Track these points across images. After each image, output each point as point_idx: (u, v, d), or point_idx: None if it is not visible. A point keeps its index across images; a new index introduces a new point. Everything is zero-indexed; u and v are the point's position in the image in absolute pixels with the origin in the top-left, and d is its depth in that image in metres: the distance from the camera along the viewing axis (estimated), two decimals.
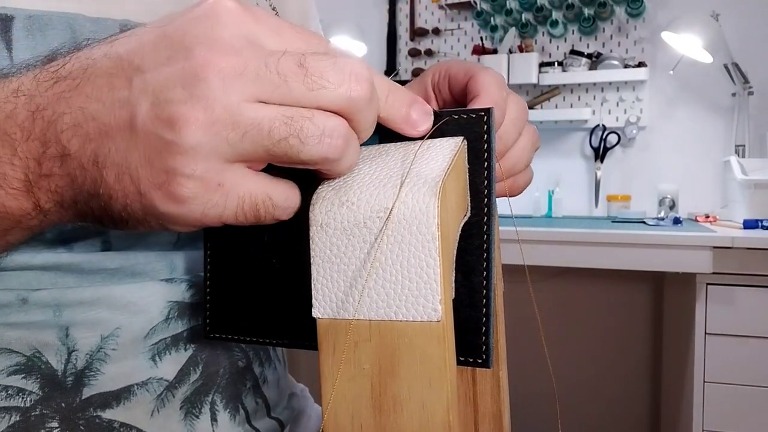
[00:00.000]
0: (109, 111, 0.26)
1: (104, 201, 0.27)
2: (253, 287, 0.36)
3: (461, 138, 0.31)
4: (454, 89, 0.42)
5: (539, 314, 2.13)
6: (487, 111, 0.31)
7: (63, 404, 0.37)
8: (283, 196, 0.29)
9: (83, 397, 0.37)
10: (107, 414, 0.38)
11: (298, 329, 0.34)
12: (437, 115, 0.32)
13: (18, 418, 0.36)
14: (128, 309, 0.38)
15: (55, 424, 0.37)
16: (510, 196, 0.41)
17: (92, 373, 0.38)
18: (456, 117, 0.31)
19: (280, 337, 0.35)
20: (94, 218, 0.29)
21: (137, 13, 0.39)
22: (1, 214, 0.28)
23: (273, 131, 0.26)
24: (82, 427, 0.37)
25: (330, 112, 0.27)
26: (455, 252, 0.30)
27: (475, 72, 0.40)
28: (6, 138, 0.27)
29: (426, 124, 0.32)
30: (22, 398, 0.36)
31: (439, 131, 0.32)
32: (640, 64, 2.07)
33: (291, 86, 0.26)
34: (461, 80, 0.41)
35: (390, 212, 0.27)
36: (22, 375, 0.36)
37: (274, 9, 0.51)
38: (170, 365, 0.40)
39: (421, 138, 0.31)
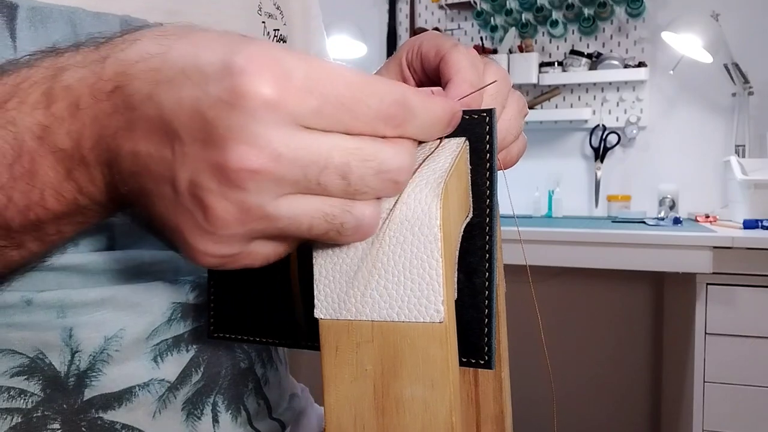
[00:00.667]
0: (151, 160, 0.25)
1: (144, 217, 0.27)
2: (256, 287, 0.36)
3: (463, 139, 0.31)
4: (427, 69, 0.41)
5: (539, 314, 2.13)
6: (489, 112, 0.31)
7: (65, 406, 0.37)
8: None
9: (85, 399, 0.37)
10: (109, 415, 0.38)
11: (301, 330, 0.34)
12: None
13: (20, 420, 0.36)
14: (133, 310, 0.38)
15: (56, 425, 0.36)
16: (504, 169, 0.40)
17: (94, 374, 0.37)
18: None
19: (283, 337, 0.35)
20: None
21: (137, 8, 0.39)
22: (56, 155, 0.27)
23: (313, 228, 0.25)
24: (83, 429, 0.37)
25: None
26: (457, 253, 0.30)
27: (446, 51, 0.38)
28: (62, 155, 0.27)
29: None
30: (24, 400, 0.36)
31: None
32: (640, 64, 2.07)
33: (331, 192, 0.25)
34: (432, 60, 0.39)
35: (390, 213, 0.27)
36: (25, 376, 0.36)
37: (278, 8, 0.51)
38: (172, 366, 0.40)
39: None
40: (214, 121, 0.23)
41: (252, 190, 0.23)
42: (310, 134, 0.24)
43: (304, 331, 0.34)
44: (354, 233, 0.26)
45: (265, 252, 0.27)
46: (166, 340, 0.40)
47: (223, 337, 0.37)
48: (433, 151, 0.30)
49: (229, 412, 0.44)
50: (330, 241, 0.26)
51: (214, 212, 0.24)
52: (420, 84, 0.42)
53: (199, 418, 0.42)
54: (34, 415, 0.36)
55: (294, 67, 0.23)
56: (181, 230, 0.25)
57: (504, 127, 0.38)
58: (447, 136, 0.31)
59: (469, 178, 0.31)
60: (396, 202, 0.27)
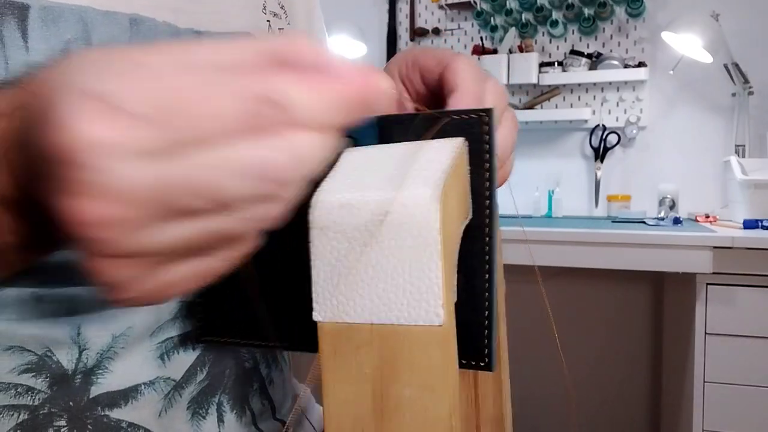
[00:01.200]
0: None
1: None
2: (246, 290, 0.35)
3: (462, 139, 0.31)
4: (427, 80, 0.40)
5: (539, 314, 2.13)
6: (488, 112, 0.31)
7: (71, 403, 0.37)
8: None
9: (91, 396, 0.37)
10: (115, 413, 0.38)
11: (300, 333, 0.34)
12: (437, 116, 0.32)
13: (26, 416, 0.36)
14: (141, 307, 0.39)
15: (62, 422, 0.37)
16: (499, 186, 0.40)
17: (100, 372, 0.38)
18: (456, 118, 0.31)
19: (281, 340, 0.35)
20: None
21: (145, 7, 0.39)
22: None
23: (219, 245, 0.24)
24: (89, 427, 0.37)
25: None
26: (457, 255, 0.30)
27: (448, 62, 0.38)
28: None
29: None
30: (31, 397, 0.36)
31: (439, 132, 0.31)
32: (640, 64, 2.07)
33: (211, 215, 0.22)
34: (434, 70, 0.39)
35: (387, 216, 0.27)
36: (33, 374, 0.36)
37: (282, 8, 0.51)
38: (177, 365, 0.40)
39: (422, 139, 0.31)
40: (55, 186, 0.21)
41: (110, 240, 0.21)
42: (160, 162, 0.20)
43: (303, 335, 0.34)
44: (261, 226, 0.24)
45: (185, 273, 0.24)
46: (172, 338, 0.40)
47: (210, 341, 0.37)
48: (431, 150, 0.30)
49: (234, 411, 0.44)
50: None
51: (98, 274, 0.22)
52: (419, 97, 0.42)
53: (204, 418, 0.42)
54: (41, 412, 0.36)
55: (122, 96, 0.20)
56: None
57: (501, 144, 0.38)
58: (446, 137, 0.31)
59: (468, 179, 0.31)
60: (394, 205, 0.27)
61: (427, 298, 0.26)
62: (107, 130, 0.20)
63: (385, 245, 0.27)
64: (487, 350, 0.30)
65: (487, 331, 0.30)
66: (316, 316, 0.28)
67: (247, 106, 0.21)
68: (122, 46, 0.24)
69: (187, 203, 0.21)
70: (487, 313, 0.30)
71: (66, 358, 0.37)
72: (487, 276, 0.30)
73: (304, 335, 0.34)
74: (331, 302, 0.28)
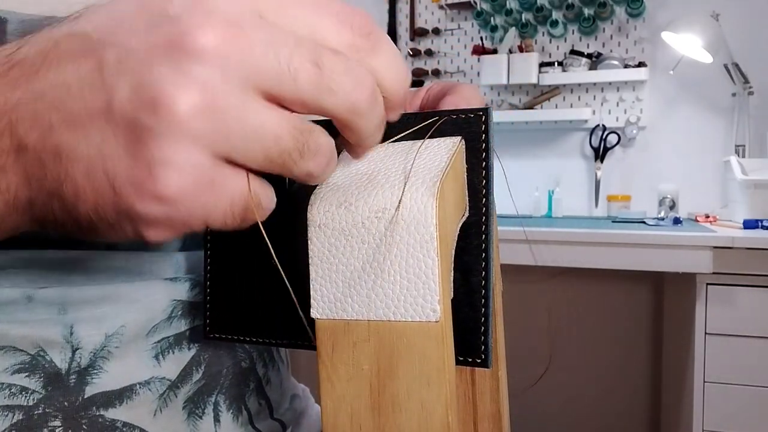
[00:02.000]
0: (78, 97, 0.23)
1: (69, 202, 0.24)
2: (252, 287, 0.36)
3: (459, 138, 0.31)
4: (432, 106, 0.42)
5: (539, 314, 2.13)
6: (485, 110, 0.31)
7: (66, 403, 0.37)
8: (269, 197, 0.26)
9: (86, 396, 0.37)
10: (110, 413, 0.38)
11: (298, 329, 0.34)
12: (435, 115, 0.32)
13: (21, 417, 0.36)
14: (133, 306, 0.39)
15: (57, 423, 0.37)
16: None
17: (95, 372, 0.38)
18: (454, 116, 0.31)
19: (280, 337, 0.35)
20: (55, 223, 0.25)
21: None
22: None
23: (280, 141, 0.23)
24: (84, 427, 0.37)
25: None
26: (454, 252, 0.30)
27: (453, 84, 0.39)
28: None
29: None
30: (25, 397, 0.36)
31: (436, 131, 0.32)
32: (640, 64, 2.07)
33: (300, 86, 0.23)
34: (438, 93, 0.40)
35: (396, 212, 0.27)
36: (26, 374, 0.36)
37: None
38: (173, 364, 0.40)
39: (420, 138, 0.31)
40: (166, 4, 0.22)
41: (215, 69, 0.21)
42: (277, 13, 0.23)
43: (301, 332, 0.34)
44: (311, 160, 0.25)
45: (228, 187, 0.24)
46: (168, 337, 0.40)
47: (219, 337, 0.37)
48: (428, 148, 0.30)
49: (231, 411, 0.44)
50: (289, 170, 0.24)
51: (169, 100, 0.21)
52: None
53: (201, 418, 0.42)
54: (35, 412, 0.36)
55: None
56: (126, 160, 0.22)
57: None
58: (444, 135, 0.31)
59: (465, 177, 0.31)
60: (399, 202, 0.27)
61: (424, 295, 0.26)
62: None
63: (383, 242, 0.27)
64: (483, 347, 0.30)
65: (483, 328, 0.30)
66: (314, 313, 0.28)
67: (361, 18, 0.25)
68: None
69: (294, 63, 0.22)
70: (483, 309, 0.30)
71: (59, 358, 0.37)
72: (483, 273, 0.30)
73: (305, 332, 0.34)
74: (329, 299, 0.28)
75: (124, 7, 0.23)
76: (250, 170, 0.25)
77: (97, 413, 0.37)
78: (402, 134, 0.32)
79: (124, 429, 0.38)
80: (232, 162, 0.24)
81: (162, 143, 0.22)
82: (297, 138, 0.24)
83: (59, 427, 0.36)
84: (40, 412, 0.36)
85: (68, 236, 0.27)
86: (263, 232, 0.26)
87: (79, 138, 0.23)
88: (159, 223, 0.24)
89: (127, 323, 0.38)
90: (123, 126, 0.22)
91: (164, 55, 0.21)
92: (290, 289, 0.28)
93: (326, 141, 0.25)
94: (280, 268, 0.27)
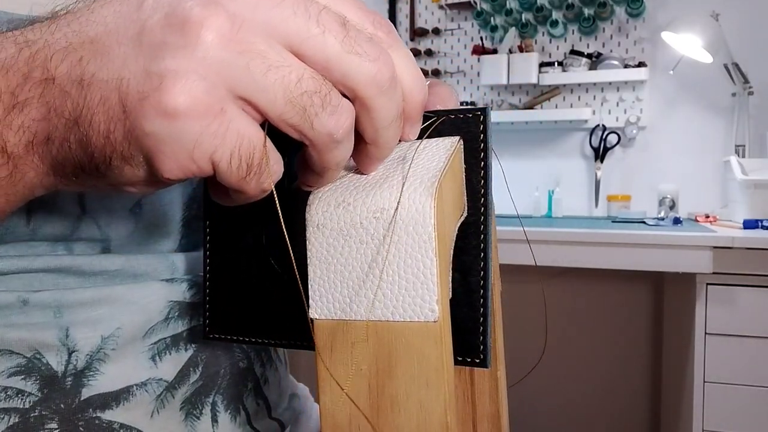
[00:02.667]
0: (112, 30, 0.23)
1: (84, 129, 0.24)
2: (251, 288, 0.36)
3: (457, 138, 0.31)
4: None
5: (539, 314, 2.13)
6: (483, 110, 0.31)
7: (62, 405, 0.37)
8: (278, 161, 0.26)
9: (82, 398, 0.37)
10: (107, 415, 0.38)
11: (297, 330, 0.34)
12: (434, 115, 0.32)
13: (17, 420, 0.36)
14: (129, 308, 0.39)
15: (54, 425, 0.36)
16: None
17: (91, 374, 0.37)
18: (452, 117, 0.31)
19: (279, 337, 0.35)
20: (74, 164, 0.25)
21: None
22: None
23: (302, 81, 0.23)
24: (81, 429, 0.37)
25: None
26: (452, 252, 0.30)
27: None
28: None
29: (415, 135, 0.30)
30: (21, 399, 0.36)
31: (435, 131, 0.32)
32: (640, 64, 2.07)
33: (327, 40, 0.23)
34: None
35: (394, 212, 0.27)
36: (22, 376, 0.36)
37: None
38: (170, 366, 0.40)
39: (418, 138, 0.31)
40: None
41: (248, 3, 0.22)
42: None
43: (300, 332, 0.34)
44: (334, 113, 0.24)
45: (238, 125, 0.24)
46: (165, 339, 0.40)
47: (219, 338, 0.37)
48: (426, 148, 0.30)
49: (228, 411, 0.44)
50: (309, 122, 0.24)
51: (199, 21, 0.22)
52: None
53: (198, 418, 0.42)
54: (32, 414, 0.36)
55: None
56: (140, 77, 0.22)
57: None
58: (441, 135, 0.31)
59: (464, 176, 0.31)
60: (398, 203, 0.27)
61: (422, 294, 0.26)
62: None
63: (381, 242, 0.27)
64: (482, 347, 0.30)
65: (482, 328, 0.30)
66: (312, 313, 0.28)
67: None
68: None
69: (323, 18, 0.23)
70: (482, 309, 0.30)
71: (55, 360, 0.36)
72: (482, 273, 0.30)
73: (304, 333, 0.34)
74: (327, 299, 0.28)
75: None
76: (266, 121, 0.24)
77: (94, 415, 0.37)
78: None
79: (121, 431, 0.38)
80: (249, 105, 0.24)
81: (178, 57, 0.22)
82: (320, 83, 0.24)
83: (56, 429, 0.36)
84: (36, 414, 0.36)
85: (85, 187, 0.27)
86: (275, 196, 0.25)
87: (103, 64, 0.23)
88: (167, 149, 0.23)
89: (124, 325, 0.38)
90: (147, 48, 0.22)
91: None
92: (301, 288, 0.28)
93: (347, 104, 0.25)
94: (294, 262, 0.27)
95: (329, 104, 0.24)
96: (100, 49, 0.23)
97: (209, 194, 0.29)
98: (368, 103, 0.25)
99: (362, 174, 0.29)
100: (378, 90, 0.25)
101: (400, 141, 0.29)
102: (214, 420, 0.43)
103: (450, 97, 0.36)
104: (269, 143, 0.25)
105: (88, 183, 0.26)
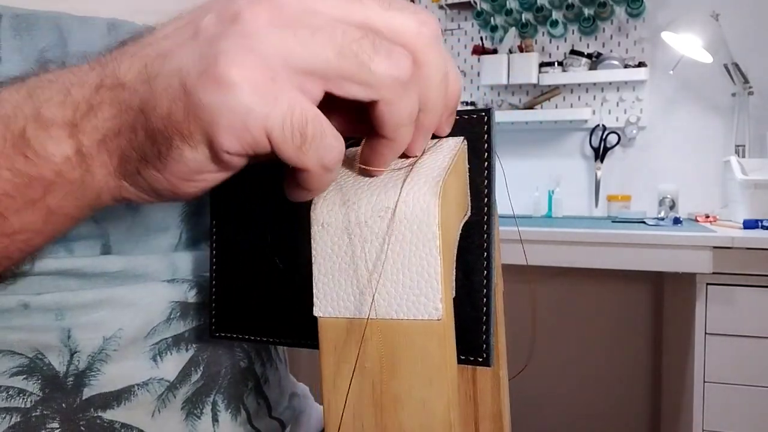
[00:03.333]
0: (172, 38, 0.26)
1: (148, 114, 0.26)
2: (257, 287, 0.36)
3: (461, 138, 0.31)
4: None
5: (539, 314, 2.13)
6: (488, 111, 0.31)
7: (63, 405, 0.37)
8: (333, 133, 0.26)
9: (84, 398, 0.37)
10: (108, 414, 0.38)
11: (301, 328, 0.34)
12: None
13: (18, 419, 0.36)
14: (130, 309, 0.39)
15: (55, 425, 0.37)
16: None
17: (93, 374, 0.38)
18: (456, 117, 0.32)
19: (284, 336, 0.35)
20: (139, 155, 0.27)
21: (123, 10, 0.38)
22: (42, 161, 0.26)
23: (347, 32, 0.24)
24: (83, 428, 0.37)
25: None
26: (456, 251, 0.30)
27: None
28: (62, 84, 0.27)
29: (449, 129, 0.31)
30: (23, 399, 0.36)
31: None
32: (640, 64, 2.07)
33: (366, 3, 0.25)
34: None
35: (388, 212, 0.27)
36: (24, 376, 0.36)
37: None
38: (171, 365, 0.40)
39: None
40: None
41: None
42: None
43: (305, 330, 0.34)
44: (387, 57, 0.25)
45: (290, 92, 0.25)
46: (166, 339, 0.40)
47: (225, 336, 0.37)
48: (430, 149, 0.30)
49: (229, 411, 0.44)
50: (365, 68, 0.25)
51: (248, 10, 0.24)
52: None
53: (199, 418, 0.42)
54: (33, 414, 0.36)
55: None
56: (199, 62, 0.24)
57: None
58: (445, 135, 0.31)
59: (468, 176, 0.31)
60: (396, 201, 0.27)
61: (426, 293, 0.26)
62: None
63: (385, 241, 0.27)
64: (485, 346, 0.30)
65: (485, 327, 0.30)
66: (317, 311, 0.28)
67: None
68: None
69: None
70: (485, 309, 0.30)
71: (57, 361, 0.37)
72: (485, 272, 0.30)
73: (308, 331, 0.34)
74: (331, 298, 0.28)
75: None
76: (325, 88, 0.25)
77: (96, 414, 0.38)
78: None
79: (123, 430, 0.38)
80: (307, 76, 0.25)
81: (230, 39, 0.24)
82: (366, 34, 0.25)
83: (57, 428, 0.36)
84: (38, 414, 0.36)
85: (147, 192, 0.28)
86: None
87: (166, 62, 0.25)
88: (222, 120, 0.24)
89: (125, 326, 0.38)
90: (203, 40, 0.25)
91: None
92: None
93: (401, 49, 0.26)
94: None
95: (382, 47, 0.25)
96: (163, 52, 0.26)
97: (233, 194, 0.29)
98: (418, 58, 0.26)
99: (367, 176, 0.29)
100: (425, 42, 0.26)
101: (433, 137, 0.30)
102: (215, 419, 0.43)
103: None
104: (331, 129, 0.26)
105: (151, 181, 0.27)
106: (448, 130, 0.31)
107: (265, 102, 0.24)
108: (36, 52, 0.35)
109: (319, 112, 0.25)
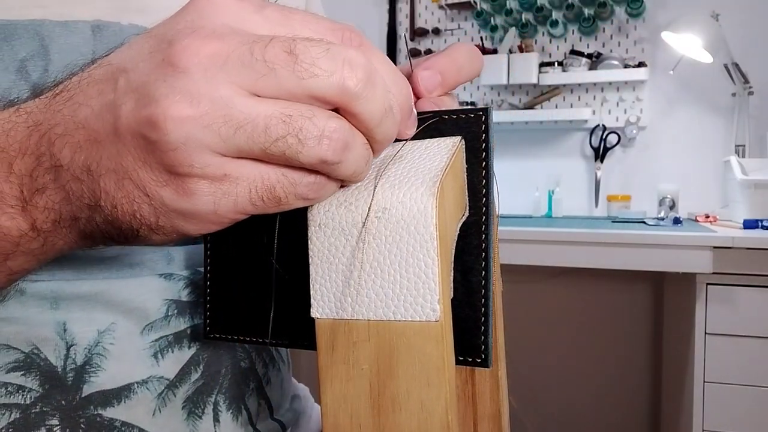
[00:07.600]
0: (96, 116, 0.25)
1: (108, 212, 0.26)
2: (252, 287, 0.36)
3: (459, 138, 0.31)
4: None
5: (539, 314, 2.13)
6: (485, 110, 0.31)
7: (63, 402, 0.37)
8: (304, 177, 0.26)
9: (83, 395, 0.37)
10: (108, 413, 0.38)
11: (297, 329, 0.34)
12: (434, 115, 0.32)
13: (18, 416, 0.36)
14: (124, 305, 0.39)
15: (55, 421, 0.37)
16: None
17: (93, 370, 0.38)
18: (454, 116, 0.31)
19: (280, 337, 0.35)
20: (102, 235, 0.28)
21: (107, 11, 0.38)
22: None
23: (270, 129, 0.24)
24: (82, 426, 0.37)
25: (327, 106, 0.25)
26: (453, 252, 0.30)
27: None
28: (3, 154, 0.27)
29: (412, 130, 0.30)
30: (22, 395, 0.36)
31: (436, 131, 0.32)
32: (640, 64, 2.07)
33: (279, 75, 0.24)
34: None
35: (385, 212, 0.27)
36: (22, 372, 0.36)
37: None
38: (171, 364, 0.40)
39: (419, 138, 0.31)
40: (165, 31, 0.25)
41: (200, 78, 0.23)
42: (256, 23, 0.25)
43: (302, 331, 0.34)
44: (317, 145, 0.24)
45: (249, 179, 0.25)
46: (166, 336, 0.40)
47: (219, 337, 0.37)
48: (428, 148, 0.30)
49: (230, 411, 0.44)
50: (295, 158, 0.24)
51: (162, 116, 0.23)
52: None
53: (200, 417, 0.42)
54: (33, 411, 0.36)
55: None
56: (147, 169, 0.25)
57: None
58: (444, 135, 0.31)
59: (465, 176, 0.31)
60: (391, 201, 0.27)
61: (424, 294, 0.26)
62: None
63: (383, 241, 0.27)
64: (483, 346, 0.30)
65: (483, 328, 0.30)
66: (314, 312, 0.28)
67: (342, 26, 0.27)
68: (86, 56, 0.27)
69: (268, 55, 0.24)
70: (483, 309, 0.30)
71: (54, 355, 0.37)
72: (483, 273, 0.30)
73: (305, 332, 0.34)
74: (329, 299, 0.28)
75: (143, 37, 0.26)
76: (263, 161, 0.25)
77: (95, 412, 0.37)
78: None
79: (123, 428, 0.38)
80: (239, 157, 0.25)
81: (168, 152, 0.24)
82: (289, 124, 0.24)
83: (57, 425, 0.36)
84: (37, 410, 0.36)
85: (120, 244, 0.29)
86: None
87: (101, 154, 0.25)
88: (193, 216, 0.26)
89: (118, 321, 0.38)
90: (131, 141, 0.25)
91: (159, 75, 0.24)
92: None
93: (337, 124, 0.25)
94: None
95: (308, 138, 0.24)
96: (93, 137, 0.25)
97: None
98: (349, 110, 0.25)
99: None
100: (351, 97, 0.25)
101: (397, 140, 0.29)
102: (216, 419, 0.43)
103: (470, 58, 0.35)
104: (291, 171, 0.26)
105: (121, 243, 0.28)
106: (411, 133, 0.30)
107: (227, 196, 0.25)
108: (16, 63, 0.34)
109: (280, 170, 0.25)
